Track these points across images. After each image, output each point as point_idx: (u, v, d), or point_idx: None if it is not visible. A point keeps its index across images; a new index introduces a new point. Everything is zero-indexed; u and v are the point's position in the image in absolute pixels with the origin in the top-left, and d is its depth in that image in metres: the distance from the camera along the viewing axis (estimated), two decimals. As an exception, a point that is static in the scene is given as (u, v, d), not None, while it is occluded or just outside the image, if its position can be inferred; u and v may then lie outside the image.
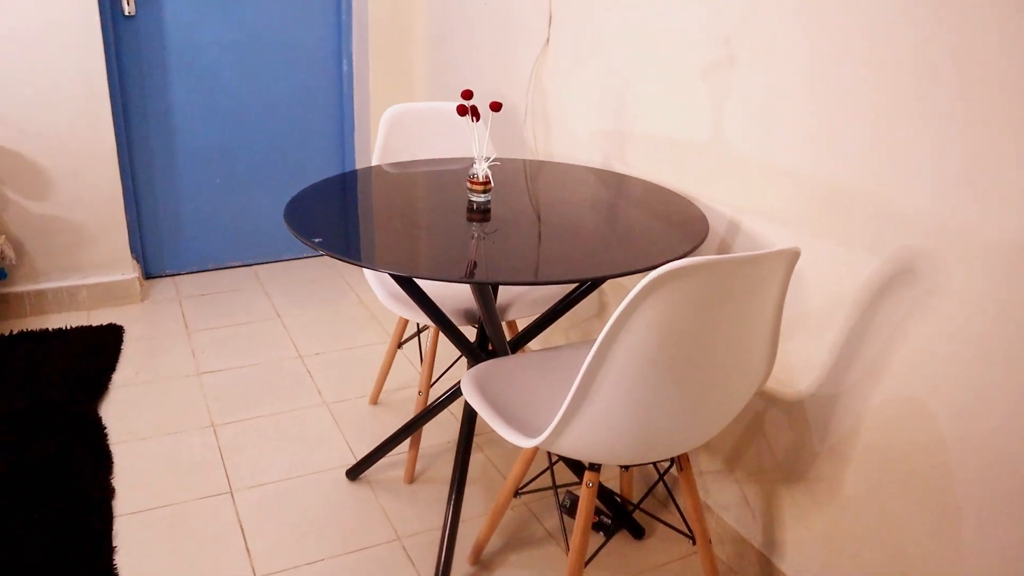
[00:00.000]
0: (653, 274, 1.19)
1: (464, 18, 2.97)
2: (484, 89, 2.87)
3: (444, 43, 3.17)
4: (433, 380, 2.69)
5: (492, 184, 1.78)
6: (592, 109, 2.29)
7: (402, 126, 2.33)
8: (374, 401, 2.60)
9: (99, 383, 2.62)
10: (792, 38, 1.63)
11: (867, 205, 1.53)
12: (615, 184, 2.08)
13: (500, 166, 2.17)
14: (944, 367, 1.43)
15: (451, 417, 2.53)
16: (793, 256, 1.35)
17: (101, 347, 2.85)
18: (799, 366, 1.74)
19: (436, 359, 2.83)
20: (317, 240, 1.54)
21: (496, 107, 1.81)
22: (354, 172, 2.11)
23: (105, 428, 2.40)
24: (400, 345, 2.44)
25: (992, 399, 1.35)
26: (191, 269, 3.56)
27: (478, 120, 1.78)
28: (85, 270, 3.15)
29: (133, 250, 3.35)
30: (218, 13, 3.26)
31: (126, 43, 3.15)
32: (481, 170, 1.76)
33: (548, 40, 2.45)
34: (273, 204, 3.61)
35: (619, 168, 2.22)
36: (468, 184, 1.78)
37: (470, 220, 1.74)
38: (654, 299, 1.23)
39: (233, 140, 3.45)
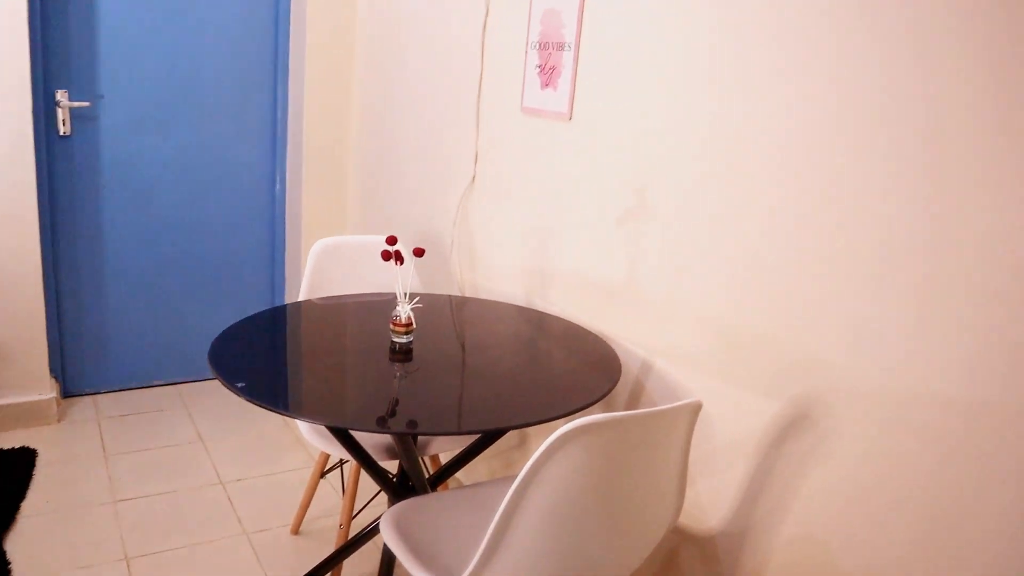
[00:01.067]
0: (559, 431, 1.25)
1: (396, 149, 3.09)
2: (412, 220, 2.97)
3: (376, 171, 3.28)
4: (355, 512, 2.67)
5: (414, 325, 1.84)
6: (515, 246, 2.40)
7: (331, 259, 2.40)
8: (295, 531, 2.56)
9: (6, 513, 2.53)
10: (702, 189, 1.76)
11: (768, 351, 1.63)
12: (536, 322, 2.17)
13: (425, 304, 2.24)
14: (841, 508, 1.51)
15: (374, 547, 2.51)
16: (695, 408, 1.43)
17: (10, 473, 2.76)
18: (709, 503, 1.81)
19: (359, 488, 2.82)
20: (240, 385, 1.57)
21: (419, 253, 1.89)
22: (280, 308, 2.15)
23: (10, 563, 2.30)
24: (323, 475, 2.43)
25: (887, 543, 1.43)
26: (113, 388, 3.50)
27: (401, 264, 1.86)
28: (0, 390, 3.07)
29: (52, 369, 3.28)
30: (154, 134, 3.32)
31: (59, 162, 3.18)
32: (404, 312, 1.82)
33: (474, 178, 2.57)
34: (202, 323, 3.60)
35: (540, 305, 2.31)
36: (391, 325, 1.83)
37: (393, 361, 1.79)
38: (563, 453, 1.29)
39: (164, 258, 3.46)
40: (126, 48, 3.20)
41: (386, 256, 1.84)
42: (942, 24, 1.29)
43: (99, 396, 3.45)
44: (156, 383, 3.58)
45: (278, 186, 3.62)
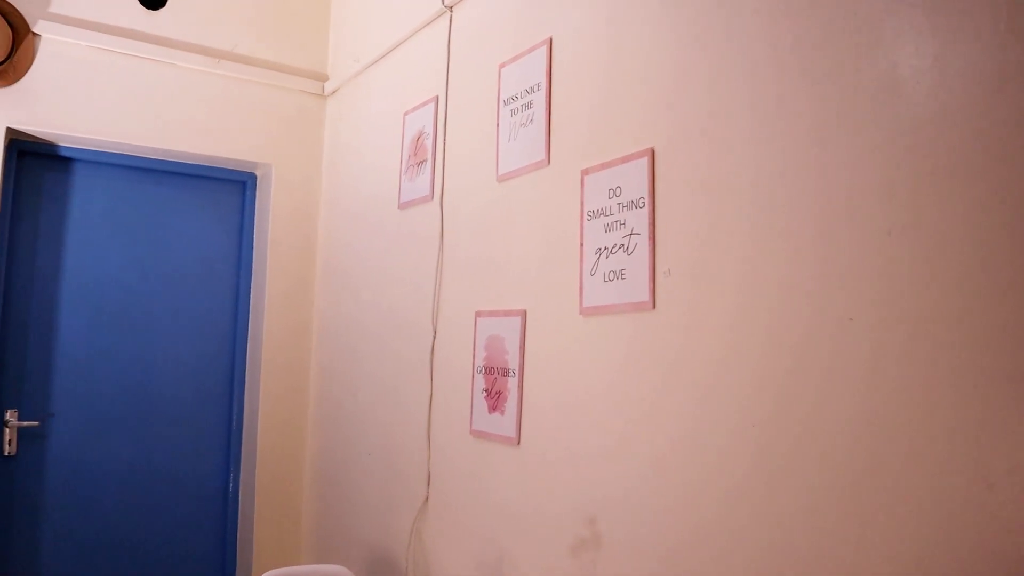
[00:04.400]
0: None
1: (350, 468, 3.05)
2: (366, 542, 2.86)
3: (331, 490, 3.21)
4: None
5: None
6: (470, 572, 2.29)
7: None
8: None
9: None
10: (657, 519, 1.72)
11: None
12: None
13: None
14: None
15: None
16: None
17: None
18: None
19: None
20: None
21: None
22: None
23: None
24: None
25: None
26: None
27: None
28: None
29: None
30: (104, 448, 3.22)
31: (2, 484, 3.05)
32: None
33: (427, 499, 2.51)
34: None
35: (499, 639, 2.17)
36: None
37: None
38: None
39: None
40: (81, 366, 3.22)
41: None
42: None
43: None
44: None
45: (230, 507, 3.49)
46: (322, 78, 3.62)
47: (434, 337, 2.56)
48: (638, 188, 1.82)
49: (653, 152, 1.80)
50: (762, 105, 1.57)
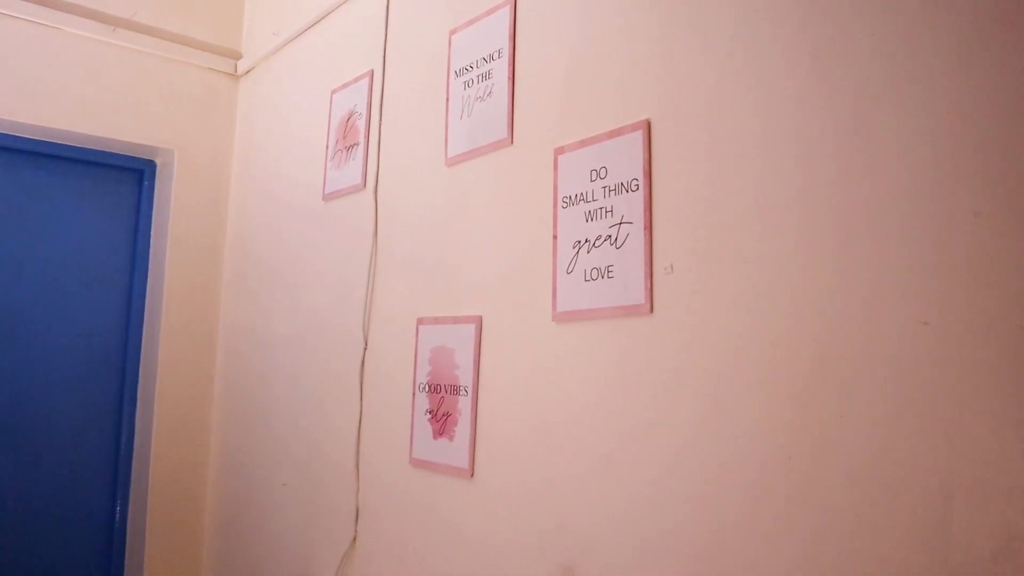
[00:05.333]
0: None
1: (261, 497, 2.62)
2: (281, 585, 2.45)
3: (237, 522, 2.77)
4: None
5: None
6: (408, 628, 1.92)
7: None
8: None
9: None
10: (643, 573, 1.40)
11: None
12: None
13: None
14: None
15: None
16: None
17: None
18: None
19: None
20: None
21: None
22: None
23: None
24: None
25: None
26: None
27: None
28: None
29: None
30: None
31: None
32: None
33: (355, 539, 2.13)
34: None
35: None
36: None
37: None
38: None
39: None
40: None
41: None
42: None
43: None
44: None
45: (116, 545, 3.00)
46: (235, 55, 3.20)
47: (365, 348, 2.19)
48: (630, 168, 1.50)
49: (649, 125, 1.49)
50: (793, 60, 1.28)
